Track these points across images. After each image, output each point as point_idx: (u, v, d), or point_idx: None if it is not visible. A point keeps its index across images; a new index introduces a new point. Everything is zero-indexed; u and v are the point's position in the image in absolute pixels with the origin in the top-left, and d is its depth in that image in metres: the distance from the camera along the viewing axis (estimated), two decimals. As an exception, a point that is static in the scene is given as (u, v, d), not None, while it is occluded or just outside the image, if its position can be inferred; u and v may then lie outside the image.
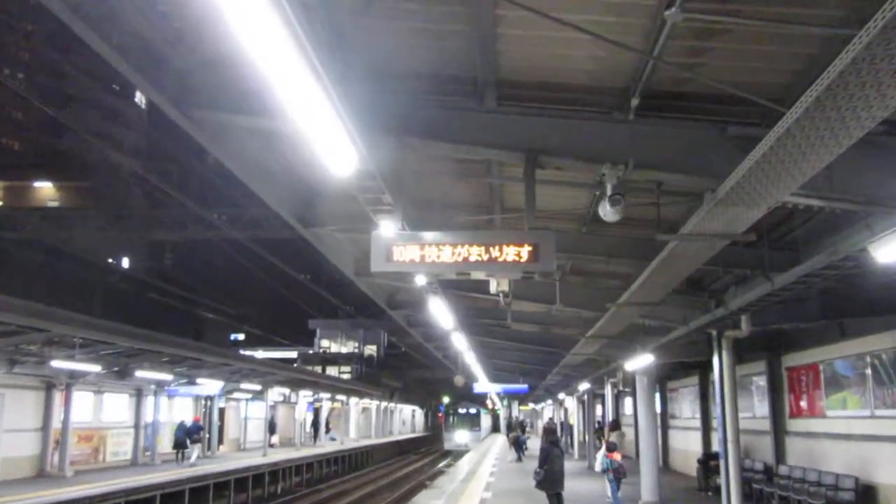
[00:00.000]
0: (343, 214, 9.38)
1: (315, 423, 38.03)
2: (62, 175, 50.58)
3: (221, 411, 28.75)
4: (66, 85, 51.34)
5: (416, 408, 66.65)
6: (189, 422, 24.24)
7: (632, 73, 5.70)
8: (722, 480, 12.11)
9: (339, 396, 38.96)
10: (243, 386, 26.91)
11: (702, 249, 7.42)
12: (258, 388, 28.07)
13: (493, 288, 8.13)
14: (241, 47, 3.78)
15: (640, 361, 15.20)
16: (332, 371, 48.05)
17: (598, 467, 14.44)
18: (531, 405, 54.03)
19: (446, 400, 50.75)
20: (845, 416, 12.73)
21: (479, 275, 6.33)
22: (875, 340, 11.79)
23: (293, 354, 51.46)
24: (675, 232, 7.21)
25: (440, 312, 13.09)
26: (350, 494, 24.37)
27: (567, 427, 33.64)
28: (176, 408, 25.69)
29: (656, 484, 15.10)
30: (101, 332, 14.59)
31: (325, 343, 56.37)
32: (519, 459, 26.95)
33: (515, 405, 51.79)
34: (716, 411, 12.70)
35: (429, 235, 6.02)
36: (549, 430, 12.73)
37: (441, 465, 37.93)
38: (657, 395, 19.30)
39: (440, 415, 61.24)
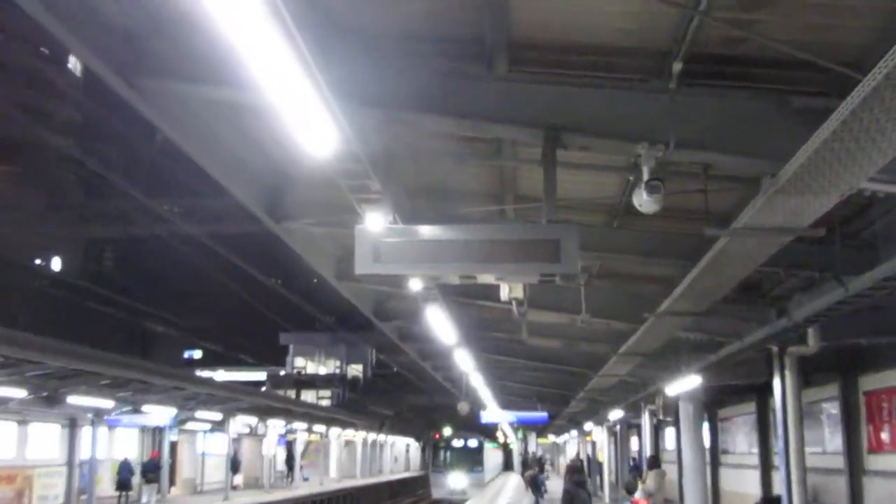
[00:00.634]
0: (321, 205, 9.41)
1: (289, 460, 38.11)
2: (-26, 157, 50.58)
3: (173, 445, 28.73)
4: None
5: (412, 441, 66.84)
6: (134, 458, 24.29)
7: (674, 31, 5.69)
8: (784, 530, 12.21)
9: (317, 427, 39.08)
10: (200, 415, 26.95)
11: (759, 247, 7.43)
12: (218, 417, 28.11)
13: (504, 294, 8.16)
14: (199, 1, 3.80)
15: (685, 385, 15.24)
16: (308, 396, 48.16)
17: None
18: (551, 438, 54.11)
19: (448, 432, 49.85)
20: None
21: (487, 278, 6.35)
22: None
23: (261, 376, 51.59)
24: (726, 226, 7.24)
25: (440, 324, 13.14)
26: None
27: (595, 465, 33.72)
28: (118, 441, 25.68)
29: (704, 534, 15.28)
30: (25, 348, 14.38)
31: (299, 362, 56.55)
32: (537, 503, 27.04)
33: (532, 438, 51.87)
34: (777, 445, 12.69)
35: (426, 230, 6.05)
36: (574, 469, 12.82)
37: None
38: (705, 426, 19.34)
39: (426, 449, 59.51)
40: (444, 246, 6.01)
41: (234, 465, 32.35)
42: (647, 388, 19.45)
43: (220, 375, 48.33)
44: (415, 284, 10.27)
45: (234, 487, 31.61)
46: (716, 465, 23.63)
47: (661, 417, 20.42)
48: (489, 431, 54.02)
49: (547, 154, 6.17)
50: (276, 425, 34.59)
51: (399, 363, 43.50)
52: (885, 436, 14.28)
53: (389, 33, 6.05)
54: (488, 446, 51.03)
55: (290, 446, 39.24)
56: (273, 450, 35.84)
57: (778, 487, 13.83)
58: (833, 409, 16.16)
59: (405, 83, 6.12)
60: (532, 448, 51.44)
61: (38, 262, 46.54)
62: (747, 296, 11.32)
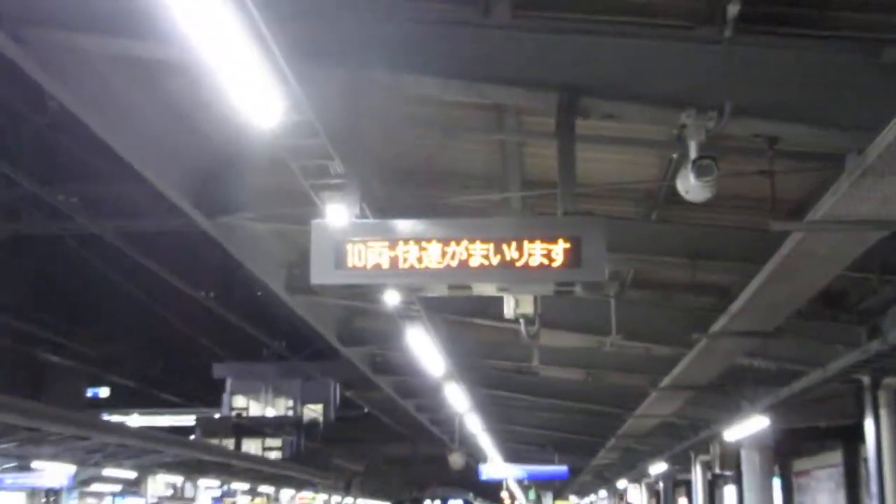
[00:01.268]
0: (269, 195, 9.50)
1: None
2: None
3: (73, 513, 28.71)
4: None
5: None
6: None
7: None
8: None
9: (264, 487, 39.05)
10: (108, 472, 26.90)
11: (842, 245, 7.51)
12: (132, 475, 28.05)
13: (508, 310, 8.22)
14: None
15: (748, 428, 15.30)
16: (251, 446, 48.08)
17: None
18: (573, 500, 54.20)
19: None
20: None
21: (485, 289, 6.44)
22: None
23: (189, 420, 51.46)
24: (799, 218, 7.30)
25: (425, 351, 13.20)
26: None
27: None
28: (0, 509, 25.61)
29: None
30: None
31: (239, 402, 56.40)
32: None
33: (548, 500, 51.92)
34: (870, 506, 12.73)
35: (404, 225, 6.15)
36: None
37: None
38: (776, 482, 19.41)
39: None
40: (429, 246, 6.05)
41: (154, 539, 32.30)
42: (699, 432, 19.51)
43: (135, 420, 48.15)
44: (391, 298, 10.28)
45: (154, 569, 31.55)
46: (790, 533, 23.71)
47: (717, 471, 20.46)
48: (491, 491, 53.91)
49: (562, 125, 6.22)
50: (208, 486, 34.51)
51: (372, 402, 43.46)
52: None
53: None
54: None
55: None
56: (205, 518, 35.81)
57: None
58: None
59: (376, 33, 6.16)
60: (548, 513, 51.48)
61: None
62: (829, 310, 11.33)
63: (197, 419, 51.58)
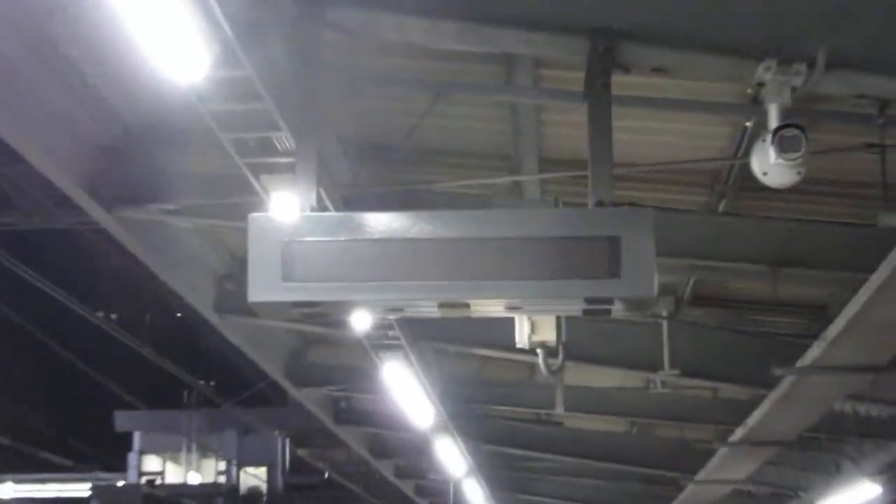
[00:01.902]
0: (191, 180, 9.53)
1: None
2: None
3: None
4: None
5: None
6: None
7: None
8: None
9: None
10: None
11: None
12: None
13: (522, 338, 8.22)
14: None
15: (853, 498, 15.32)
16: (169, 527, 47.96)
17: None
18: None
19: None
20: None
21: (489, 308, 6.48)
22: None
23: (82, 490, 51.40)
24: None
25: (407, 393, 13.30)
26: None
27: None
28: None
29: None
30: None
31: (152, 464, 56.40)
32: None
33: None
34: None
35: (378, 220, 6.16)
36: None
37: None
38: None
39: None
40: (412, 249, 6.10)
41: None
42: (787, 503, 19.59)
43: (9, 490, 48.09)
44: (360, 321, 10.34)
45: None
46: None
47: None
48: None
49: (595, 83, 6.22)
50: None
51: (334, 464, 43.42)
52: None
53: None
54: None
55: None
56: None
57: None
58: None
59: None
60: None
61: None
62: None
63: (93, 488, 51.44)
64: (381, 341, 12.08)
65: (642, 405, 15.83)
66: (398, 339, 11.91)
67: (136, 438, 56.41)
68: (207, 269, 12.25)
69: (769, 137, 6.07)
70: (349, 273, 6.11)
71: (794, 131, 6.03)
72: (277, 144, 6.78)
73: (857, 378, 11.41)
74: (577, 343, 10.16)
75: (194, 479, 55.38)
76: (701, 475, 17.85)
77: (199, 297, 12.31)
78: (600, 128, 6.30)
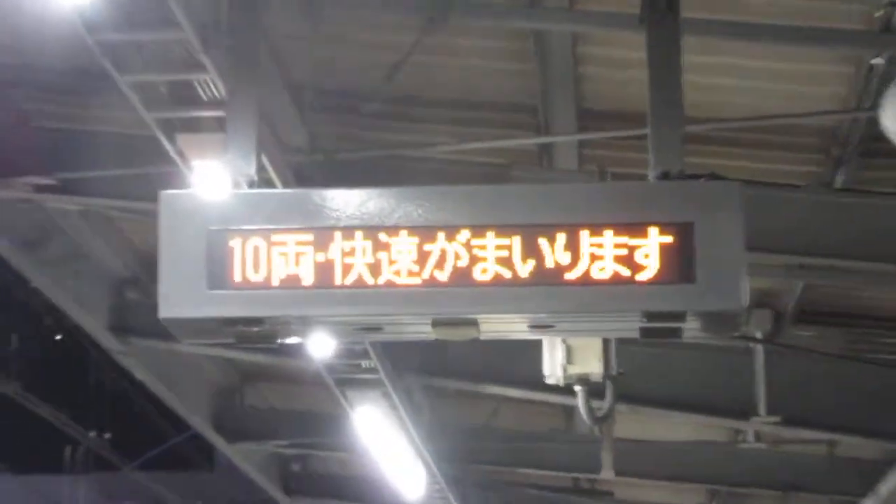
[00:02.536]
0: (80, 142, 9.58)
1: None
2: None
3: None
4: None
5: None
6: None
7: None
8: None
9: None
10: None
11: None
12: None
13: (552, 370, 8.25)
14: None
15: None
16: None
17: None
18: None
19: None
20: None
21: (506, 326, 6.51)
22: None
23: None
24: None
25: (387, 450, 13.46)
26: None
27: None
28: None
29: None
30: None
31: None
32: None
33: None
34: None
35: (345, 202, 6.17)
36: None
37: None
38: None
39: None
40: (394, 241, 6.13)
41: None
42: None
43: None
44: (320, 346, 10.58)
45: None
46: None
47: None
48: None
49: (656, 3, 6.34)
50: None
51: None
52: None
53: None
54: None
55: None
56: None
57: None
58: None
59: None
60: None
61: None
62: None
63: None
64: (350, 376, 12.11)
65: (727, 467, 15.80)
66: (375, 372, 11.93)
67: (1, 515, 56.58)
68: (101, 270, 12.28)
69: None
70: (304, 276, 6.11)
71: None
72: (201, 91, 6.78)
73: None
74: (632, 378, 10.19)
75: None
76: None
77: (89, 312, 12.30)
78: (664, 66, 6.31)
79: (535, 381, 8.53)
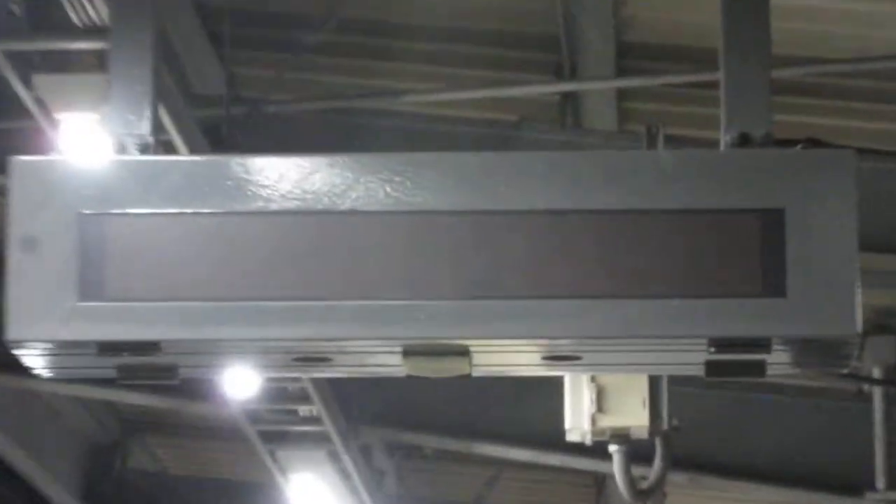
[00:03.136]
0: None
1: None
2: None
3: None
4: None
5: None
6: None
7: None
8: None
9: None
10: None
11: None
12: None
13: (576, 422, 8.23)
14: None
15: None
16: None
17: None
18: None
19: None
20: None
21: (509, 357, 6.45)
22: None
23: None
24: None
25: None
26: None
27: None
28: None
29: None
30: None
31: None
32: None
33: None
34: None
35: (279, 175, 6.10)
36: None
37: None
38: None
39: None
40: (351, 234, 6.06)
41: None
42: None
43: None
44: (237, 382, 10.65)
45: None
46: None
47: None
48: None
49: None
50: None
51: None
52: None
53: None
54: None
55: None
56: None
57: None
58: None
59: None
60: None
61: None
62: None
63: None
64: (282, 428, 12.11)
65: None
66: (318, 422, 11.91)
67: None
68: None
69: None
70: (219, 283, 6.05)
71: None
72: (72, 13, 6.81)
73: None
74: (692, 435, 10.16)
75: None
76: None
77: None
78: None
79: (550, 437, 8.50)
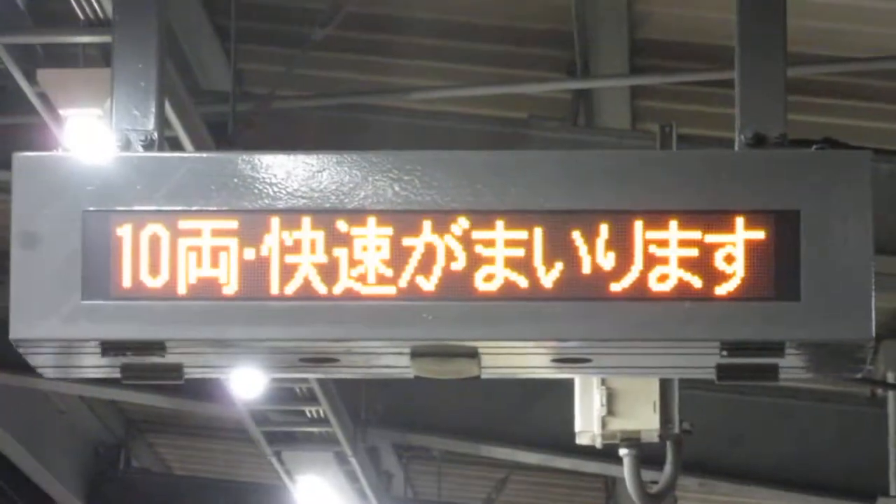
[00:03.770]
0: None
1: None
2: None
3: None
4: None
5: None
6: None
7: None
8: None
9: None
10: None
11: None
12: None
13: (586, 425, 8.21)
14: None
15: None
16: None
17: None
18: None
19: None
20: None
21: (518, 359, 6.45)
22: None
23: None
24: None
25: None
26: None
27: None
28: None
29: None
30: None
31: None
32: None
33: None
34: None
35: (285, 173, 6.14)
36: None
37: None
38: None
39: None
40: (356, 233, 6.09)
41: None
42: None
43: None
44: (243, 382, 10.68)
45: None
46: None
47: None
48: None
49: None
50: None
51: None
52: None
53: None
54: None
55: None
56: None
57: None
58: None
59: None
60: None
61: None
62: None
63: None
64: (289, 429, 12.11)
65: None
66: (325, 423, 11.91)
67: None
68: None
69: None
70: (226, 282, 6.10)
71: None
72: (79, 10, 6.79)
73: None
74: (704, 439, 10.11)
75: None
76: None
77: None
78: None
79: (560, 440, 8.49)
